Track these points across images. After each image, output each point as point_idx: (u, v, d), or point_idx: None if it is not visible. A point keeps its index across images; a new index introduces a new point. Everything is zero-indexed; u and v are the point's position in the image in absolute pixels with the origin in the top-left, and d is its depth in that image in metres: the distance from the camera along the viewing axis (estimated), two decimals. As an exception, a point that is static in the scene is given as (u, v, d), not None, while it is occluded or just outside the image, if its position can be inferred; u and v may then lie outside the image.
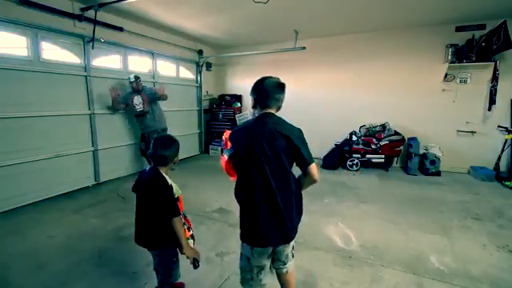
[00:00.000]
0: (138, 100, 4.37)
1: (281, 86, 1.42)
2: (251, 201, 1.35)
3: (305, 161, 1.34)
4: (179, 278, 1.76)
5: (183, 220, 1.58)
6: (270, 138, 1.31)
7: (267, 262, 1.45)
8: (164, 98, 4.57)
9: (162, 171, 1.57)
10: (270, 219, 1.33)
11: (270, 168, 1.31)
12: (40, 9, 3.41)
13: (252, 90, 1.44)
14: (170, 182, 1.55)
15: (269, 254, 1.43)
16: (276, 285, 1.64)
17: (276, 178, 1.32)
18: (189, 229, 1.63)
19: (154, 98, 4.49)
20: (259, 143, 1.31)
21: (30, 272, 2.15)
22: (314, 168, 1.37)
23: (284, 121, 1.40)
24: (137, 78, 4.32)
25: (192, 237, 1.64)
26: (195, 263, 1.53)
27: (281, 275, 1.55)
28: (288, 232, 1.37)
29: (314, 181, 1.40)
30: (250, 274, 1.44)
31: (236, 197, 1.45)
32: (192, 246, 1.59)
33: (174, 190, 1.56)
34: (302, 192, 1.47)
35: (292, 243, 1.46)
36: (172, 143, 1.60)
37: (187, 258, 1.53)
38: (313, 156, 1.39)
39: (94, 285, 2.01)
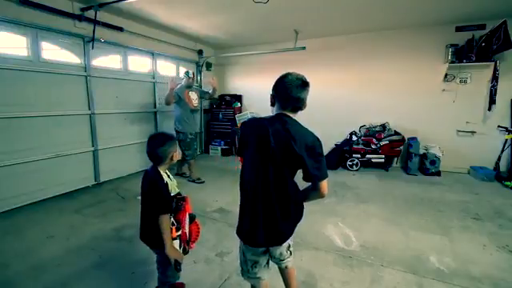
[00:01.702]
0: (194, 95, 4.46)
1: (303, 85, 1.28)
2: (248, 198, 1.35)
3: (311, 175, 1.24)
4: (179, 279, 1.76)
5: (172, 220, 1.56)
6: (277, 139, 1.24)
7: (261, 259, 1.45)
8: (216, 93, 4.61)
9: (161, 169, 1.59)
10: (262, 220, 1.31)
11: (271, 169, 1.26)
12: (40, 9, 3.41)
13: (273, 86, 1.35)
14: (165, 179, 1.56)
15: (262, 252, 1.43)
16: (274, 283, 1.65)
17: (276, 181, 1.27)
18: (178, 229, 1.59)
19: (203, 96, 4.73)
20: (267, 141, 1.25)
21: (30, 272, 2.14)
22: (323, 185, 1.27)
23: (300, 126, 1.30)
24: (193, 73, 4.51)
25: (178, 237, 1.58)
26: (176, 266, 1.51)
27: (280, 270, 1.58)
28: (279, 235, 1.34)
29: (321, 196, 1.32)
30: (246, 267, 1.48)
31: (240, 189, 1.43)
32: (177, 247, 1.56)
33: (170, 188, 1.56)
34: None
35: (286, 243, 1.43)
36: (163, 141, 1.59)
37: (169, 258, 1.50)
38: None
39: (93, 285, 2.01)
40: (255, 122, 1.37)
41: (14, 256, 2.36)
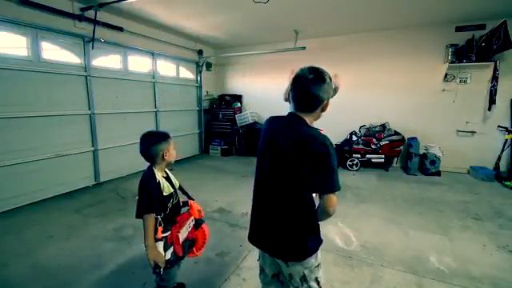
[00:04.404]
0: None
1: (316, 79, 1.07)
2: (254, 197, 1.31)
3: (311, 187, 1.08)
4: (174, 285, 1.73)
5: (160, 220, 1.49)
6: (275, 142, 1.14)
7: (267, 269, 1.37)
8: (336, 93, 4.20)
9: (157, 168, 1.57)
10: (262, 222, 1.26)
11: (272, 173, 1.17)
12: (40, 9, 3.41)
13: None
14: (158, 178, 1.52)
15: (270, 262, 1.33)
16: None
17: (277, 187, 1.16)
18: (166, 230, 1.50)
19: None
20: (267, 143, 1.19)
21: (29, 272, 2.14)
22: (327, 200, 1.05)
23: (306, 129, 1.10)
24: None
25: (164, 239, 1.48)
26: (155, 268, 1.42)
27: None
28: (277, 245, 1.20)
29: (325, 213, 1.09)
30: (259, 268, 1.44)
31: None
32: (161, 249, 1.45)
33: (162, 187, 1.52)
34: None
35: (299, 268, 1.19)
36: (152, 140, 1.56)
37: (148, 259, 1.43)
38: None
39: (93, 285, 2.01)
40: (270, 121, 1.26)
41: (14, 256, 2.36)
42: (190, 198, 1.76)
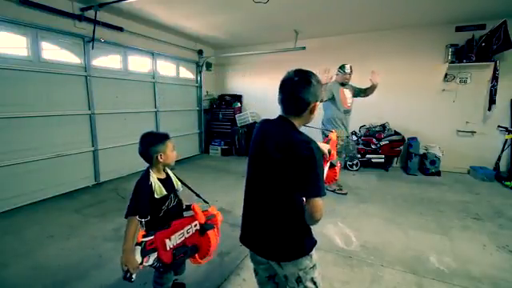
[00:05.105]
0: (348, 94, 3.76)
1: (301, 82, 1.08)
2: (246, 198, 1.31)
3: (302, 193, 1.07)
4: (168, 286, 1.72)
5: (143, 222, 1.43)
6: (262, 145, 1.16)
7: (260, 270, 1.37)
8: (374, 90, 3.73)
9: (154, 169, 1.55)
10: (253, 223, 1.26)
11: (260, 174, 1.19)
12: (40, 9, 3.41)
13: None
14: (151, 180, 1.49)
15: (264, 264, 1.31)
16: None
17: (264, 187, 1.17)
18: (148, 235, 1.41)
19: (358, 94, 3.91)
20: (254, 145, 1.21)
21: (29, 272, 2.15)
22: (314, 205, 1.04)
23: (294, 132, 1.11)
24: (351, 68, 3.70)
25: (143, 244, 1.39)
26: (126, 273, 1.34)
27: None
28: (269, 246, 1.18)
29: (311, 218, 1.06)
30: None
31: None
32: (138, 254, 1.36)
33: (154, 188, 1.49)
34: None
35: (292, 270, 1.18)
36: (149, 141, 1.54)
37: (120, 263, 1.36)
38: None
39: (93, 285, 2.01)
40: (261, 123, 1.28)
41: (14, 256, 2.36)
42: (205, 201, 1.69)
